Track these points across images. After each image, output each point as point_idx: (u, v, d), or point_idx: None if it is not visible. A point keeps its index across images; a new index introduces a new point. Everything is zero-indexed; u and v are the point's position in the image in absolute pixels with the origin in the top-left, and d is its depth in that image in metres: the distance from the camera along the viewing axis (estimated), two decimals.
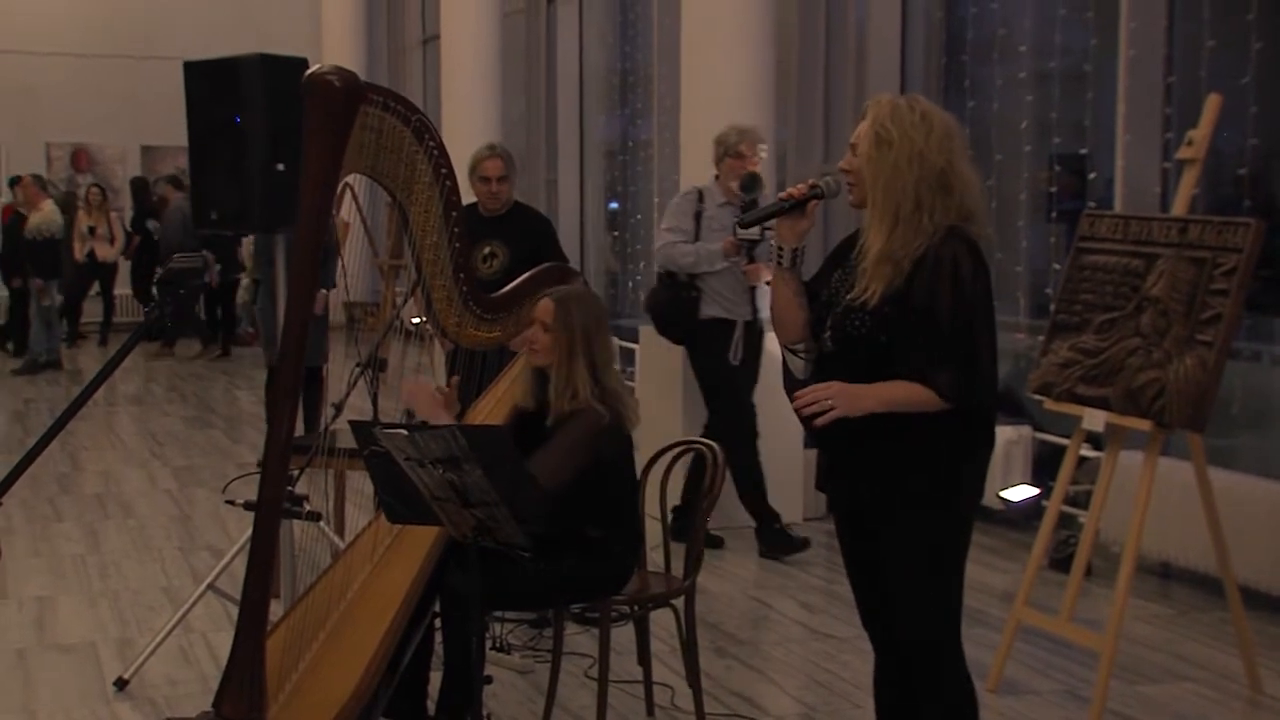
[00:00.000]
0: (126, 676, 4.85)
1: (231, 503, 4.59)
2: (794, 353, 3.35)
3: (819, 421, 3.10)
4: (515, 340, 4.27)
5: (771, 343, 5.07)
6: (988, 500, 5.68)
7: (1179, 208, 4.78)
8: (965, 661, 3.30)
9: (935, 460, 3.15)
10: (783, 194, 3.28)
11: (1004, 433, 6.43)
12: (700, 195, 6.60)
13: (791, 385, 3.36)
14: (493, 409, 4.26)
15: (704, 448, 4.48)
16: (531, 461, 3.84)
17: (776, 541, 6.57)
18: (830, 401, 3.09)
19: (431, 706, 4.14)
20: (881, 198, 3.13)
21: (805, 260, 3.33)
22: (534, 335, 4.06)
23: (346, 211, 8.14)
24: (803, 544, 6.53)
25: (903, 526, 3.19)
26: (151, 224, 15.50)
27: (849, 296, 3.18)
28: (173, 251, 14.41)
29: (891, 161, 3.11)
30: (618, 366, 4.20)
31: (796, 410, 3.15)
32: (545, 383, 4.09)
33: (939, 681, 3.26)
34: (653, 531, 4.44)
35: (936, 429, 3.11)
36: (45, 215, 13.57)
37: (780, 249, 3.28)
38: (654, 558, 4.64)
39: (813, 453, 7.04)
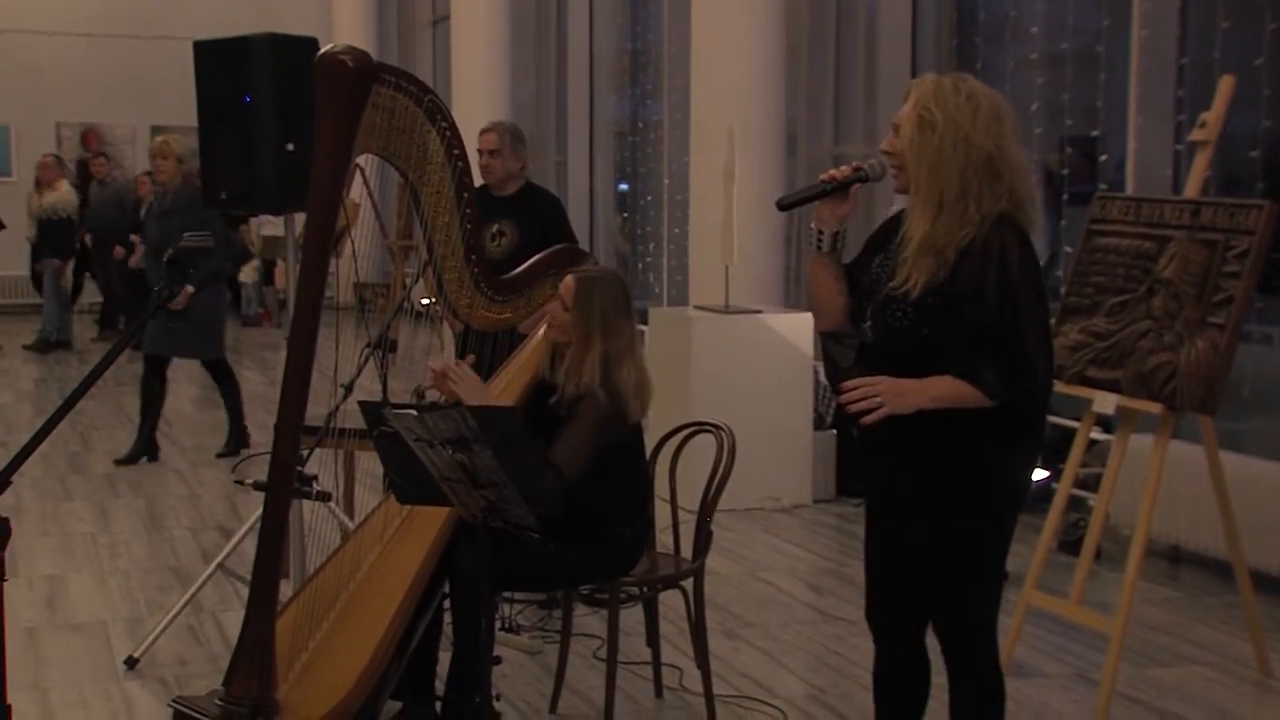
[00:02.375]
0: (137, 655, 4.86)
1: (241, 483, 4.60)
2: (835, 340, 3.27)
3: (866, 420, 3.02)
4: (526, 322, 4.27)
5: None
6: None
7: (1191, 190, 4.76)
8: (998, 655, 3.26)
9: (973, 456, 3.07)
10: (825, 175, 3.17)
11: None
12: None
13: (834, 374, 3.30)
14: (504, 390, 4.25)
15: (714, 429, 4.47)
16: (553, 451, 3.86)
17: None
18: (879, 399, 3.01)
19: (440, 687, 4.15)
20: (925, 183, 3.03)
21: (846, 244, 3.27)
22: (555, 310, 4.07)
23: (356, 192, 8.14)
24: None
25: (941, 520, 3.13)
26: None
27: (890, 285, 3.09)
28: (109, 235, 13.63)
29: (935, 145, 3.00)
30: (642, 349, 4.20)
31: (843, 403, 3.07)
32: (561, 358, 4.11)
33: (967, 672, 3.23)
34: (661, 513, 4.44)
35: (978, 424, 3.03)
36: (61, 195, 13.57)
37: (820, 233, 3.19)
38: (663, 539, 4.64)
39: (822, 435, 7.11)
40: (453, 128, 3.74)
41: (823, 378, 6.87)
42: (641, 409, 4.08)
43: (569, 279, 4.07)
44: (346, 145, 3.47)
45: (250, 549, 3.77)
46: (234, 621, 4.45)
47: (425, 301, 4.64)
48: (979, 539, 3.16)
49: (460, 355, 4.81)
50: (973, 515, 3.12)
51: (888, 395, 3.02)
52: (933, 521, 3.15)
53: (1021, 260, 3.01)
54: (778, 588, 5.86)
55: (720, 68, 7.80)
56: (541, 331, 4.38)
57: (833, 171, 3.18)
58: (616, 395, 3.99)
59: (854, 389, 3.05)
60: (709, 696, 4.32)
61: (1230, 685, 4.78)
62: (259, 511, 3.74)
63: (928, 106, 3.03)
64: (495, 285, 4.05)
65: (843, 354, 3.28)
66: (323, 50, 3.52)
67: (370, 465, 5.87)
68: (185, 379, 11.95)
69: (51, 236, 13.44)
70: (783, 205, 3.32)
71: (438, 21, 16.28)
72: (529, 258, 4.30)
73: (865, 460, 3.32)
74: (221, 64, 4.72)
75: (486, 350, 4.51)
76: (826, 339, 3.31)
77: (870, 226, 3.39)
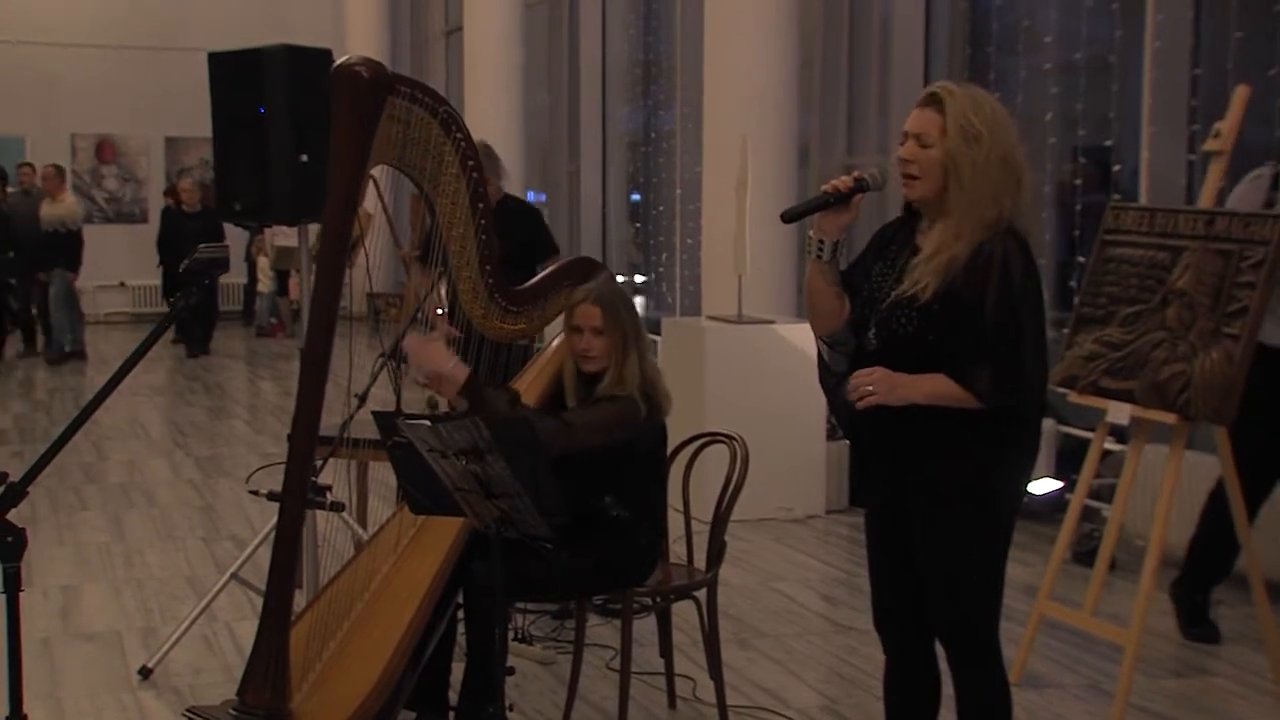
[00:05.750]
0: (151, 665, 4.87)
1: (255, 493, 4.60)
2: (830, 346, 3.29)
3: (859, 405, 3.06)
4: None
5: None
6: None
7: (1205, 200, 4.75)
8: (1002, 662, 3.26)
9: (967, 457, 3.10)
10: (827, 186, 3.18)
11: None
12: (1276, 180, 5.11)
13: (827, 380, 3.32)
14: (524, 392, 4.25)
15: (727, 439, 4.46)
16: (568, 411, 3.86)
17: (1196, 618, 5.34)
18: (870, 387, 3.05)
19: (453, 697, 4.15)
20: (969, 195, 3.03)
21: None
22: (587, 343, 4.01)
23: (370, 203, 8.11)
24: (1214, 635, 5.32)
25: (936, 522, 3.14)
26: None
27: (895, 292, 3.12)
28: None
29: (982, 158, 3.01)
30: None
31: (847, 394, 3.09)
32: (592, 386, 4.08)
33: (971, 679, 3.23)
34: (675, 523, 4.44)
35: (972, 426, 3.06)
36: (69, 207, 13.56)
37: (820, 243, 3.20)
38: (676, 550, 4.64)
39: (835, 445, 7.10)
40: (468, 139, 3.75)
41: None
42: (669, 403, 4.10)
43: (586, 306, 4.01)
44: (362, 157, 3.47)
45: (264, 559, 3.78)
46: (248, 631, 4.46)
47: (439, 311, 4.66)
48: (975, 544, 3.17)
49: None
50: (968, 519, 3.14)
51: (880, 385, 3.05)
52: (929, 525, 3.16)
53: (1023, 270, 3.05)
54: (791, 598, 5.85)
55: (733, 78, 7.80)
56: (554, 345, 4.38)
57: (835, 182, 3.19)
58: (654, 392, 4.02)
59: (854, 377, 3.08)
60: (722, 707, 4.32)
61: (1245, 696, 4.76)
62: (273, 522, 3.74)
63: (968, 118, 3.03)
64: (510, 296, 4.05)
65: (836, 359, 3.30)
66: (338, 62, 3.53)
67: (384, 475, 5.88)
68: (201, 388, 12.00)
69: (63, 249, 13.42)
70: (787, 218, 3.32)
71: (450, 32, 16.32)
72: (510, 271, 4.25)
73: (860, 461, 3.32)
74: (236, 75, 4.74)
75: (500, 362, 4.50)
76: (822, 344, 3.32)
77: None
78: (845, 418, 3.24)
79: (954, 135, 3.03)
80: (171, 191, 15.45)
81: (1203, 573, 5.30)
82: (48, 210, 13.42)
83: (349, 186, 3.47)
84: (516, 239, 5.64)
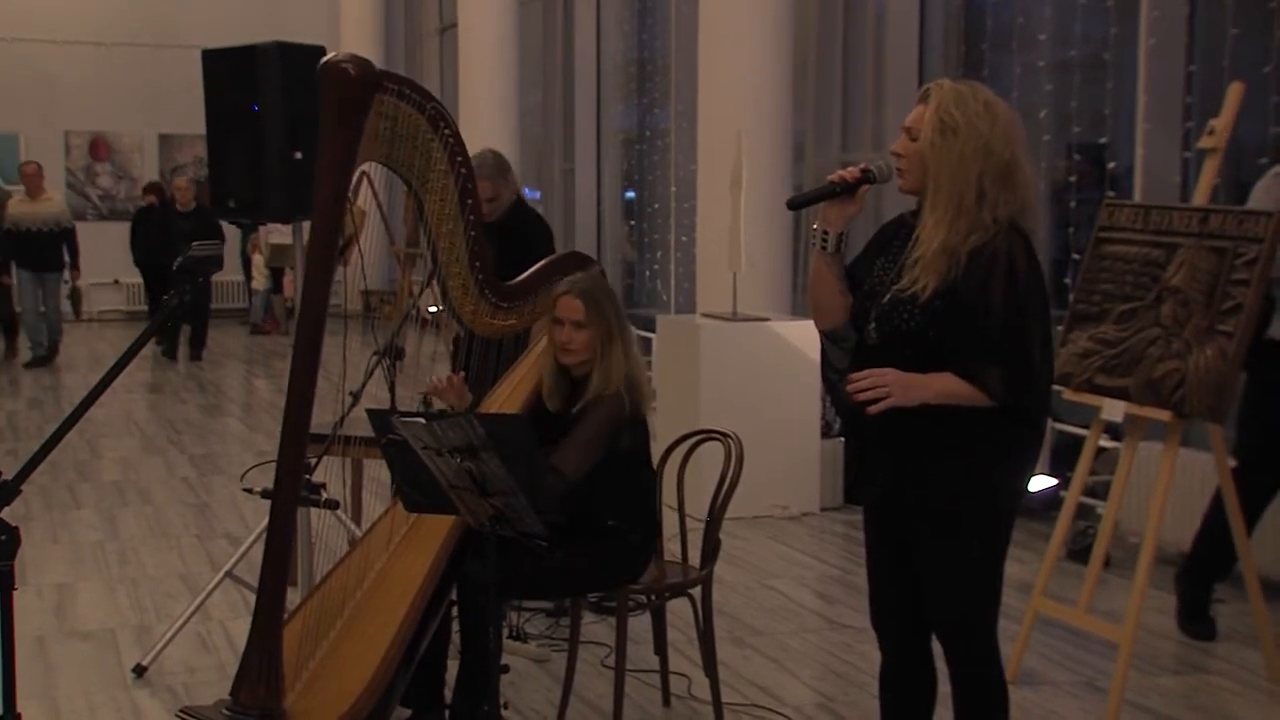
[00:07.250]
0: (145, 663, 4.87)
1: (249, 491, 4.60)
2: (833, 341, 3.29)
3: (872, 409, 3.05)
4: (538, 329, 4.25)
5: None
6: None
7: (1200, 197, 4.75)
8: (1000, 661, 3.26)
9: (969, 454, 3.09)
10: (833, 177, 3.19)
11: None
12: None
13: (829, 376, 3.33)
14: (509, 396, 4.25)
15: (722, 436, 4.46)
16: (556, 455, 3.84)
17: (1196, 613, 5.33)
18: (886, 389, 3.04)
19: (448, 695, 4.14)
20: (946, 188, 3.04)
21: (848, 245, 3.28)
22: (568, 336, 4.03)
23: (364, 199, 8.10)
24: (1210, 633, 5.30)
25: (936, 519, 3.14)
26: None
27: (896, 288, 3.11)
28: None
29: (957, 151, 3.02)
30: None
31: (850, 393, 3.08)
32: (570, 380, 4.08)
33: (969, 677, 3.23)
34: (669, 521, 4.44)
35: (975, 423, 3.05)
36: (59, 206, 13.47)
37: (825, 234, 3.21)
38: (671, 547, 4.64)
39: (830, 443, 7.10)
40: (456, 135, 3.74)
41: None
42: (651, 397, 4.10)
43: (568, 300, 4.02)
44: (350, 153, 3.47)
45: (258, 557, 3.77)
46: (242, 629, 4.45)
47: (432, 309, 4.65)
48: (975, 541, 3.16)
49: (454, 363, 4.81)
50: (969, 516, 3.13)
51: (895, 387, 3.04)
52: (929, 522, 3.16)
53: (1028, 269, 3.04)
54: (786, 596, 5.85)
55: (727, 75, 7.80)
56: (544, 343, 4.38)
57: (841, 173, 3.19)
58: (636, 388, 4.01)
59: (862, 379, 3.07)
60: (717, 704, 4.32)
61: (1240, 693, 4.77)
62: (266, 519, 3.73)
63: (949, 111, 3.04)
64: (500, 292, 4.04)
65: (838, 355, 3.30)
66: (325, 59, 3.52)
67: (378, 473, 5.87)
68: (196, 386, 11.98)
69: (59, 249, 13.31)
70: (793, 205, 3.34)
71: (445, 29, 16.31)
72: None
73: (862, 458, 3.31)
74: (230, 72, 4.73)
75: (491, 357, 4.50)
76: (825, 340, 3.33)
77: (877, 227, 3.41)
78: (846, 411, 3.24)
79: (931, 127, 3.05)
80: (153, 189, 15.24)
81: (1206, 567, 5.30)
82: (37, 209, 13.22)
83: (336, 184, 3.47)
84: (518, 245, 5.56)
